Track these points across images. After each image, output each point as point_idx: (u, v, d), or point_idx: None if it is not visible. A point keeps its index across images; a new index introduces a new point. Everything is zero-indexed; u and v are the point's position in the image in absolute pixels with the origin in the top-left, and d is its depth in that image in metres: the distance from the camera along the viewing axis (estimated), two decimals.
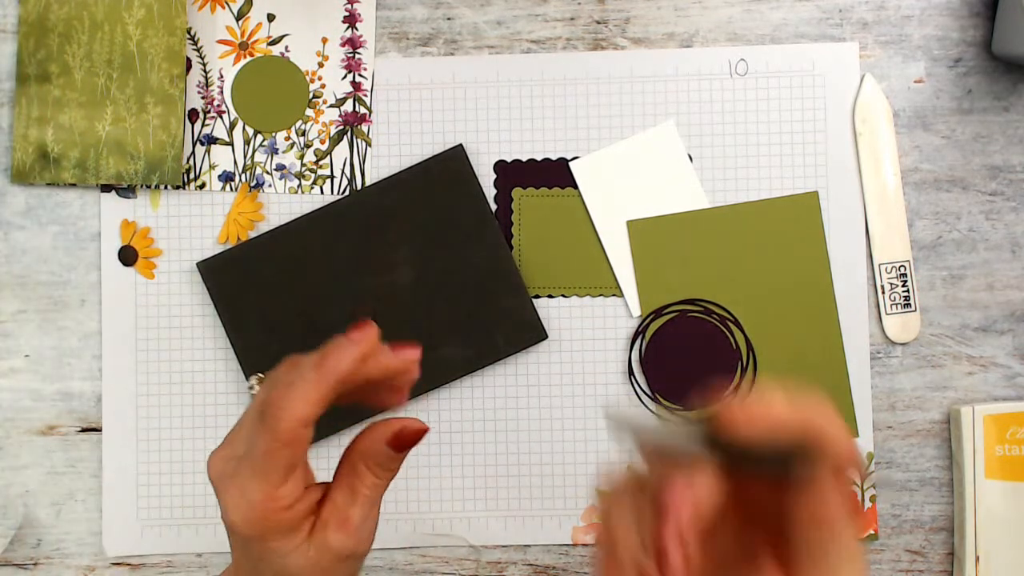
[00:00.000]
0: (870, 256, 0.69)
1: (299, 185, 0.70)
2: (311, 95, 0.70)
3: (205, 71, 0.70)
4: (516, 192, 0.70)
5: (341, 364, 0.43)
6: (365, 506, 0.46)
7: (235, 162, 0.70)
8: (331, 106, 0.70)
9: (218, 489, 0.44)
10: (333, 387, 0.44)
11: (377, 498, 0.46)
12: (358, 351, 0.44)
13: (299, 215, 0.70)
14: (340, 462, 0.46)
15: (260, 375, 0.49)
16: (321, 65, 0.70)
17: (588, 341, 0.70)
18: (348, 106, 0.70)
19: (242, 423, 0.45)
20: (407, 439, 0.45)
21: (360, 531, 0.45)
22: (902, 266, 0.69)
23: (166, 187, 0.70)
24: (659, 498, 0.36)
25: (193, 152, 0.70)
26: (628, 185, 0.69)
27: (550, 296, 0.70)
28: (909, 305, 0.69)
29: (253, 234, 0.70)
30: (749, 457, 0.35)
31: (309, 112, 0.70)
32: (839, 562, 0.36)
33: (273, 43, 0.70)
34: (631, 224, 0.69)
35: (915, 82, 0.70)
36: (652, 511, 0.36)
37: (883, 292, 0.69)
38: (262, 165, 0.70)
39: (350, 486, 0.46)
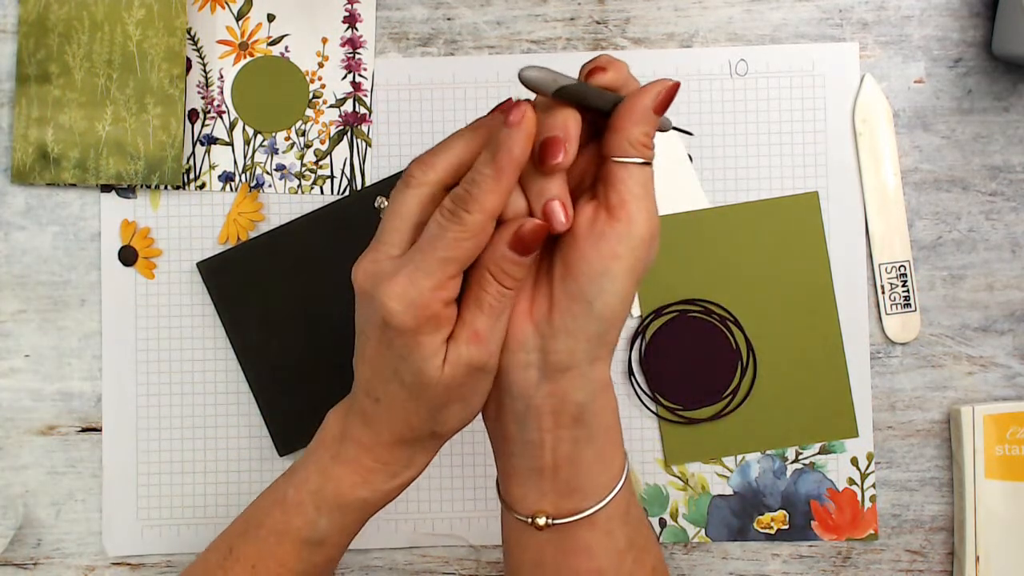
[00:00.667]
0: (870, 256, 0.69)
1: (299, 185, 0.70)
2: (311, 95, 0.70)
3: (205, 71, 0.70)
4: None
5: (516, 152, 0.43)
6: (491, 316, 0.45)
7: (235, 162, 0.70)
8: (331, 106, 0.70)
9: (376, 284, 0.44)
10: (515, 178, 0.44)
11: (504, 308, 0.45)
12: (525, 134, 0.43)
13: (299, 215, 0.70)
14: (466, 275, 0.46)
15: (385, 198, 0.48)
16: (321, 65, 0.70)
17: None
18: (348, 106, 0.70)
19: (392, 225, 0.46)
20: (526, 238, 0.44)
21: (489, 342, 0.45)
22: (902, 266, 0.69)
23: (166, 187, 0.70)
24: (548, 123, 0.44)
25: (193, 152, 0.70)
26: None
27: None
28: (909, 305, 0.69)
29: (253, 234, 0.70)
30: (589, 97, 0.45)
31: (309, 112, 0.70)
32: (633, 186, 0.45)
33: (273, 43, 0.70)
34: None
35: (915, 82, 0.70)
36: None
37: (883, 292, 0.69)
38: (262, 165, 0.70)
39: (476, 298, 0.45)
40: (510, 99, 0.46)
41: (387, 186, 0.69)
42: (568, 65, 0.70)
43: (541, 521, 0.47)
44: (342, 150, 0.70)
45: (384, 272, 0.45)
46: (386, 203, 0.47)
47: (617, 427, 0.48)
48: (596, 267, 0.44)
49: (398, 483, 0.50)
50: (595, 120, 0.46)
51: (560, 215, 0.44)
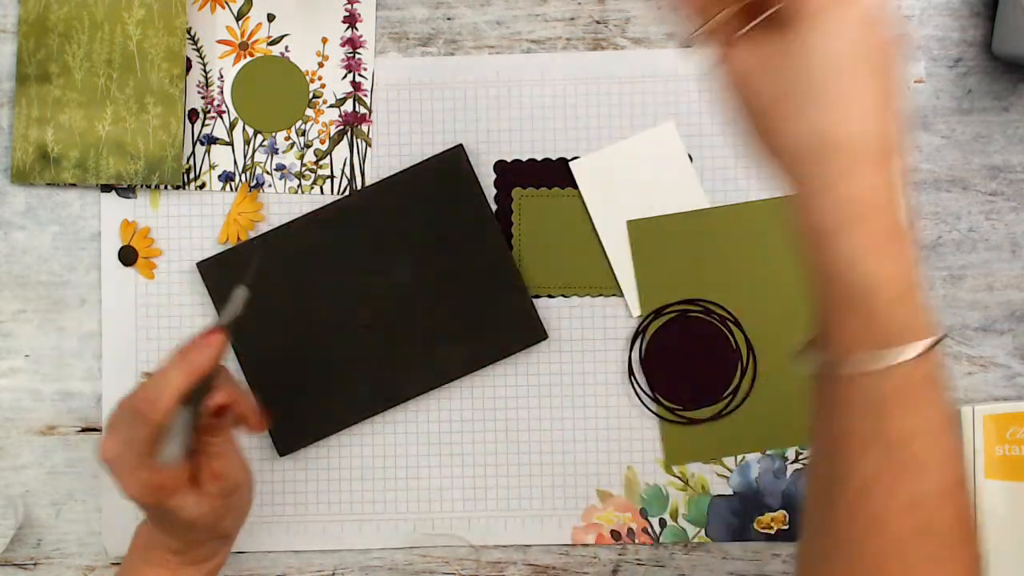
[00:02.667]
0: None
1: (299, 185, 0.70)
2: (311, 95, 0.70)
3: (205, 71, 0.70)
4: (516, 192, 0.70)
5: (201, 359, 0.56)
6: (221, 458, 0.59)
7: (235, 162, 0.70)
8: (331, 106, 0.70)
9: (114, 471, 0.56)
10: (194, 380, 0.56)
11: (227, 450, 0.60)
12: (213, 351, 0.57)
13: (299, 215, 0.70)
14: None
15: (147, 372, 0.62)
16: (321, 65, 0.70)
17: (588, 341, 0.70)
18: (348, 106, 0.70)
19: (121, 414, 0.56)
20: (221, 411, 0.58)
21: (228, 474, 0.59)
22: None
23: (166, 187, 0.70)
24: None
25: (193, 152, 0.70)
26: (628, 185, 0.69)
27: (550, 296, 0.70)
28: None
29: (253, 234, 0.70)
30: None
31: (309, 112, 0.70)
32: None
33: (273, 43, 0.70)
34: (631, 224, 0.69)
35: (915, 82, 0.70)
36: None
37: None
38: (262, 165, 0.70)
39: (203, 450, 0.59)
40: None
41: (388, 186, 0.69)
42: (568, 65, 0.70)
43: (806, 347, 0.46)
44: (342, 150, 0.70)
45: (118, 458, 0.56)
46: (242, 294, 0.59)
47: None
48: None
49: (207, 569, 0.62)
50: None
51: None
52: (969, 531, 0.44)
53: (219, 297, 0.69)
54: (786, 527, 0.69)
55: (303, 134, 0.70)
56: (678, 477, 0.69)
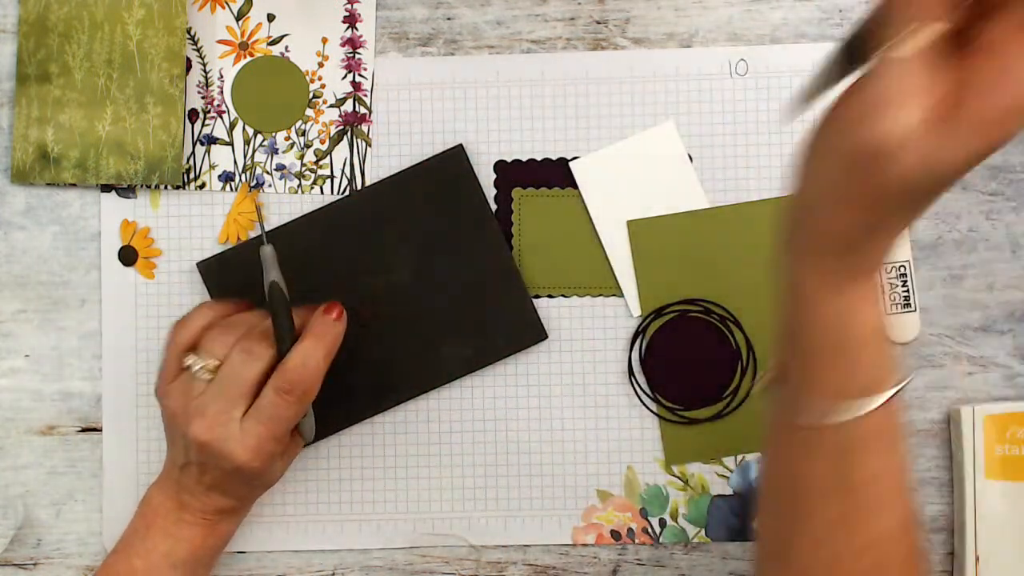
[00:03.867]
0: None
1: (299, 185, 0.70)
2: (311, 95, 0.70)
3: (205, 71, 0.70)
4: (516, 192, 0.70)
5: (339, 335, 0.62)
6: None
7: (235, 162, 0.70)
8: (331, 106, 0.70)
9: (223, 437, 0.59)
10: (333, 356, 0.62)
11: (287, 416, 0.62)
12: (342, 323, 0.63)
13: (299, 215, 0.70)
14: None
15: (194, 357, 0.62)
16: (321, 65, 0.70)
17: (588, 341, 0.70)
18: (348, 106, 0.70)
19: (232, 388, 0.60)
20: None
21: (306, 431, 0.66)
22: (902, 266, 0.69)
23: (166, 187, 0.70)
24: None
25: (193, 152, 0.70)
26: (628, 185, 0.69)
27: (550, 296, 0.70)
28: (909, 305, 0.69)
29: (253, 234, 0.70)
30: None
31: (309, 112, 0.70)
32: None
33: (273, 43, 0.70)
34: (631, 224, 0.69)
35: None
36: None
37: (883, 292, 0.69)
38: (262, 165, 0.70)
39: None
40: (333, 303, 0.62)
41: (388, 186, 0.69)
42: (568, 65, 0.70)
43: (762, 378, 0.46)
44: (342, 150, 0.70)
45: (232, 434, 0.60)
46: (201, 363, 0.61)
47: (871, 352, 0.42)
48: None
49: (238, 520, 0.65)
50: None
51: None
52: (919, 566, 0.45)
53: (219, 297, 0.69)
54: None
55: (303, 134, 0.70)
56: (678, 477, 0.69)
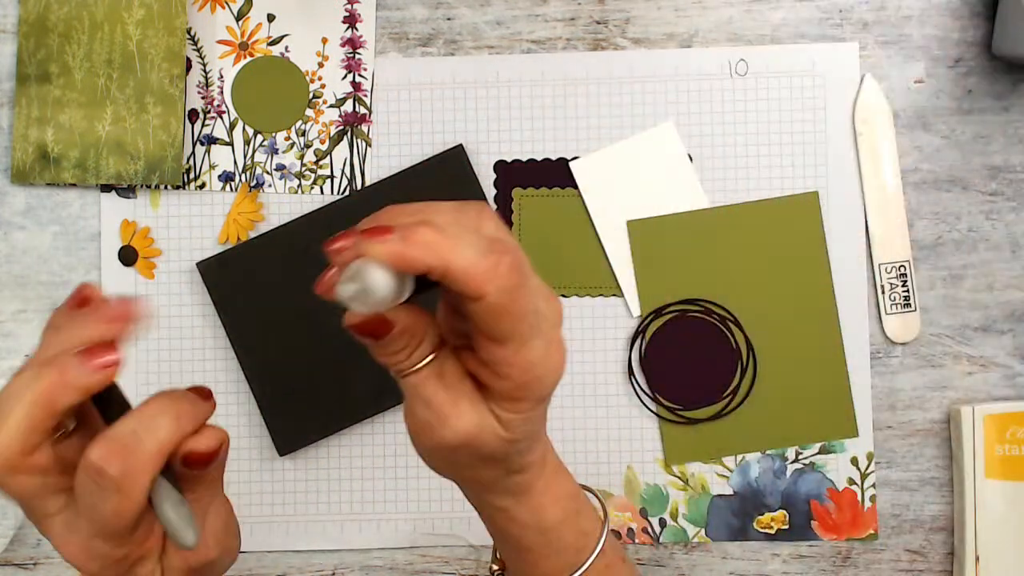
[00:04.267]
0: (870, 256, 0.69)
1: (299, 185, 0.70)
2: (311, 95, 0.70)
3: (205, 71, 0.70)
4: (516, 192, 0.70)
5: (199, 415, 0.43)
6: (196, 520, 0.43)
7: (235, 162, 0.70)
8: (331, 106, 0.70)
9: (53, 536, 0.42)
10: (185, 436, 0.42)
11: (203, 511, 0.44)
12: (209, 410, 0.44)
13: (299, 215, 0.70)
14: None
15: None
16: (321, 65, 0.70)
17: (588, 341, 0.70)
18: (348, 106, 0.70)
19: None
20: (193, 462, 0.42)
21: (202, 545, 0.44)
22: (902, 266, 0.69)
23: (166, 187, 0.70)
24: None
25: (193, 152, 0.70)
26: (628, 185, 0.69)
27: None
28: (909, 305, 0.69)
29: (253, 234, 0.70)
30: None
31: (309, 112, 0.70)
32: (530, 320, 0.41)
33: (273, 43, 0.70)
34: (631, 224, 0.69)
35: (915, 82, 0.70)
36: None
37: (883, 292, 0.69)
38: (262, 165, 0.70)
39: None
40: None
41: (388, 186, 0.69)
42: (568, 65, 0.70)
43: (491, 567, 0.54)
44: (342, 150, 0.70)
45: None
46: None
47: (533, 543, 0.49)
48: None
49: None
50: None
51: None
52: None
53: (219, 297, 0.69)
54: (786, 527, 0.69)
55: (303, 134, 0.70)
56: (678, 477, 0.69)
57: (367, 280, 0.41)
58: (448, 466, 0.46)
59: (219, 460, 0.43)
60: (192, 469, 0.42)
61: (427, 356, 0.43)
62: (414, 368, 0.44)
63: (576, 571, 0.48)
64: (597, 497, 0.52)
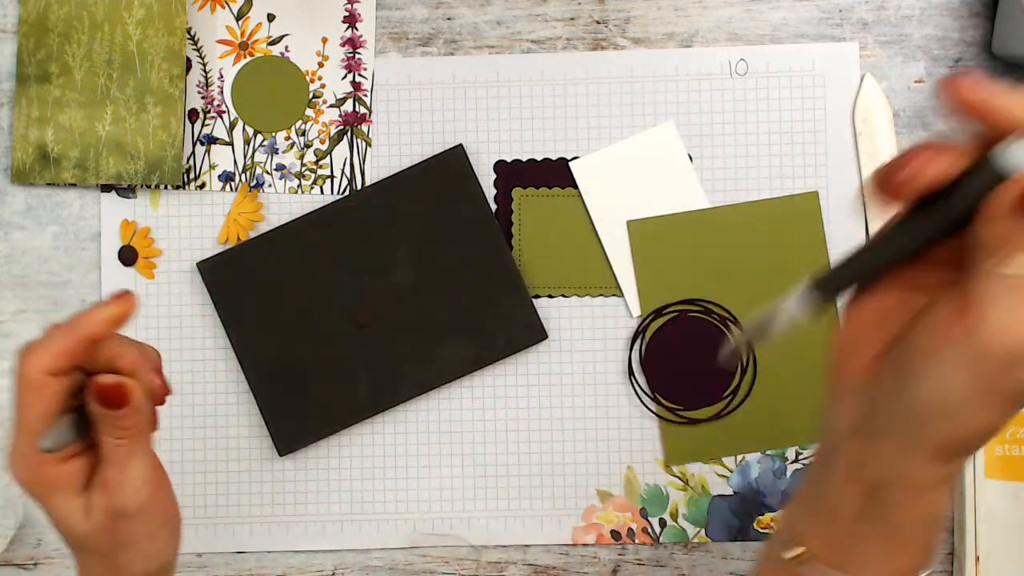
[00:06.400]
0: None
1: (299, 185, 0.70)
2: (311, 95, 0.70)
3: (205, 71, 0.70)
4: (516, 192, 0.70)
5: (91, 321, 0.47)
6: (117, 465, 0.48)
7: (235, 162, 0.70)
8: (331, 106, 0.70)
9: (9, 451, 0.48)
10: (82, 343, 0.47)
11: (129, 455, 0.48)
12: (110, 312, 0.48)
13: (299, 215, 0.70)
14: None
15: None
16: (321, 65, 0.70)
17: (588, 341, 0.70)
18: (348, 106, 0.70)
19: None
20: (105, 395, 0.47)
21: (121, 489, 0.48)
22: None
23: (166, 187, 0.70)
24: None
25: (193, 152, 0.70)
26: (628, 185, 0.69)
27: (550, 296, 0.70)
28: None
29: (253, 234, 0.70)
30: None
31: (309, 112, 0.70)
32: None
33: (273, 43, 0.70)
34: (631, 224, 0.69)
35: (915, 82, 0.70)
36: None
37: None
38: (262, 165, 0.70)
39: (100, 450, 0.48)
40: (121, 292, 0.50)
41: (388, 186, 0.69)
42: (568, 65, 0.70)
43: (795, 552, 0.43)
44: (342, 150, 0.70)
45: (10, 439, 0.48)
46: None
47: (921, 536, 0.42)
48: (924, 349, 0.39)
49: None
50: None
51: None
52: None
53: (219, 297, 0.69)
54: None
55: (303, 134, 0.70)
56: (678, 477, 0.69)
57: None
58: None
59: (133, 407, 0.47)
60: (103, 407, 0.47)
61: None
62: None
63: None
64: None
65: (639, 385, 0.69)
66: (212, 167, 0.70)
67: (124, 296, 0.48)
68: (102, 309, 0.48)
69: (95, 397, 0.47)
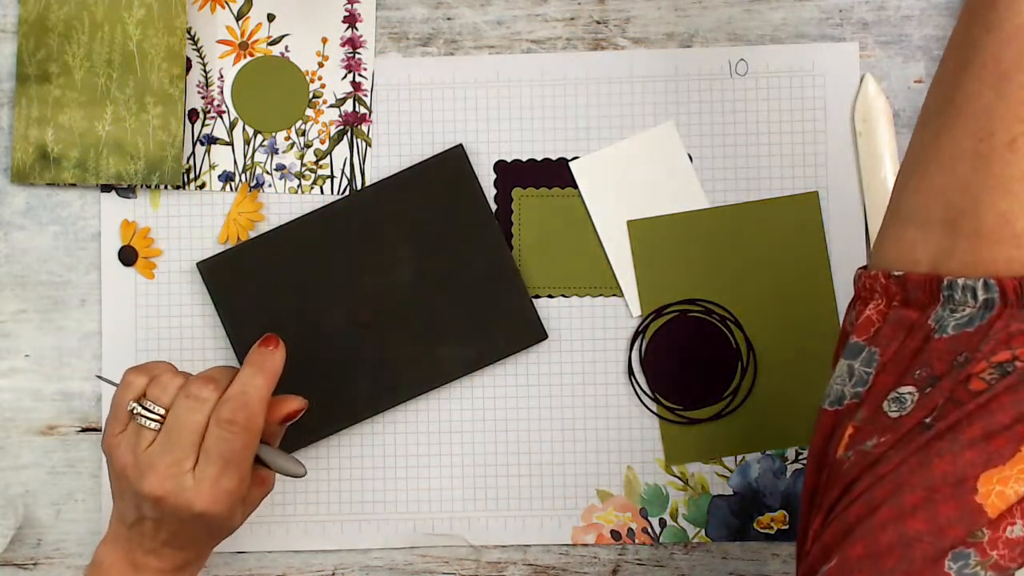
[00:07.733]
0: (870, 256, 0.69)
1: (299, 185, 0.70)
2: (311, 95, 0.70)
3: (205, 71, 0.70)
4: (516, 192, 0.70)
5: (277, 364, 0.60)
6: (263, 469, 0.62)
7: (235, 162, 0.70)
8: (331, 106, 0.70)
9: (178, 490, 0.57)
10: (273, 384, 0.59)
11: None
12: (282, 354, 0.60)
13: (299, 215, 0.70)
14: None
15: (100, 376, 0.65)
16: (321, 65, 0.70)
17: (588, 341, 0.70)
18: (348, 106, 0.70)
19: (181, 436, 0.57)
20: (287, 419, 0.62)
21: (270, 481, 0.63)
22: None
23: (166, 187, 0.70)
24: None
25: (193, 152, 0.70)
26: (628, 185, 0.69)
27: (550, 296, 0.70)
28: None
29: (253, 234, 0.70)
30: None
31: (309, 112, 0.70)
32: None
33: (273, 43, 0.70)
34: (631, 224, 0.69)
35: (915, 82, 0.70)
36: None
37: None
38: (262, 165, 0.70)
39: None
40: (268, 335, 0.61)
41: (388, 186, 0.69)
42: (568, 65, 0.70)
43: None
44: (342, 150, 0.70)
45: (182, 476, 0.57)
46: (140, 408, 0.58)
47: None
48: None
49: (195, 573, 0.62)
50: None
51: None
52: None
53: (219, 297, 0.69)
54: (786, 527, 0.69)
55: (303, 134, 0.70)
56: (678, 477, 0.69)
57: None
58: None
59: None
60: (283, 424, 0.61)
61: None
62: None
63: None
64: None
65: (639, 385, 0.69)
66: (212, 167, 0.70)
67: (277, 341, 0.61)
68: (277, 353, 0.60)
69: (288, 418, 0.62)
